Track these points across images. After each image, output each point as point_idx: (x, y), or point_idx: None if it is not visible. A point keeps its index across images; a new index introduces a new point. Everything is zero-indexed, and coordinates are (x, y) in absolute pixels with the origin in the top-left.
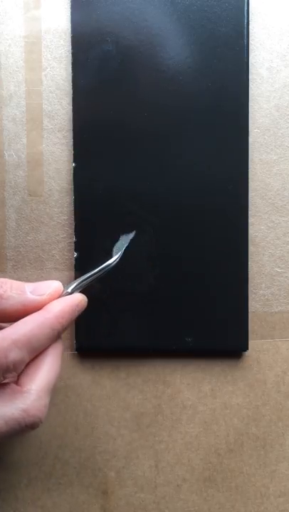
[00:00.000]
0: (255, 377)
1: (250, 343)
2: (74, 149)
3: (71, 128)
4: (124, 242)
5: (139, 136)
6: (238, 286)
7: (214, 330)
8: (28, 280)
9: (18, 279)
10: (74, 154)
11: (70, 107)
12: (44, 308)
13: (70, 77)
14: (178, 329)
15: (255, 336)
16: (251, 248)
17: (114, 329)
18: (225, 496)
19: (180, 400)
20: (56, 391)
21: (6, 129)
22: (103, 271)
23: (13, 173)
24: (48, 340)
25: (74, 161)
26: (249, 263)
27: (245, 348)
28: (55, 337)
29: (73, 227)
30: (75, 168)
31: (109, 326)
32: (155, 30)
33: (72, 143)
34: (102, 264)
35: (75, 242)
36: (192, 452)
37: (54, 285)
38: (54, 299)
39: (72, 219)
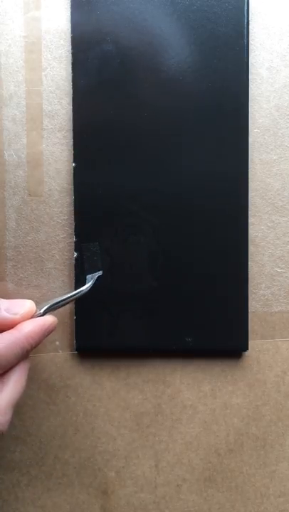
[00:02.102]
0: (255, 377)
1: (250, 343)
2: (74, 149)
3: (71, 128)
4: (97, 270)
5: (139, 136)
6: (238, 286)
7: (214, 330)
8: (28, 280)
9: (19, 279)
10: (74, 154)
11: (70, 107)
12: (15, 327)
13: (70, 77)
14: (178, 329)
15: (255, 336)
16: (251, 248)
17: (114, 329)
18: (225, 496)
19: (180, 399)
20: (56, 391)
21: (6, 129)
22: (75, 297)
23: (13, 173)
24: (16, 359)
25: (74, 161)
26: (249, 263)
27: (245, 348)
28: (24, 356)
29: (73, 227)
30: (75, 168)
31: (109, 326)
32: (155, 30)
33: (72, 143)
34: (75, 290)
35: (75, 242)
36: (192, 452)
37: (27, 305)
38: (27, 319)
39: (72, 219)
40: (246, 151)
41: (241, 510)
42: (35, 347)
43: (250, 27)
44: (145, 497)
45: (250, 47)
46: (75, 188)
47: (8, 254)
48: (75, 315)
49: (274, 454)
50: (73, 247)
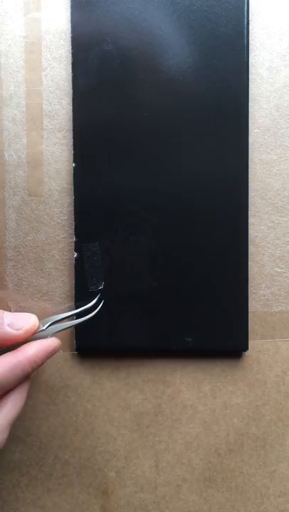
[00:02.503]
0: (255, 377)
1: (250, 343)
2: (74, 149)
3: (71, 128)
4: (98, 271)
5: (139, 136)
6: (238, 286)
7: (214, 330)
8: (28, 280)
9: (19, 279)
10: (74, 154)
11: (70, 107)
12: (19, 349)
13: (70, 77)
14: (178, 329)
15: (255, 336)
16: (251, 248)
17: (114, 329)
18: (225, 496)
19: (180, 399)
20: (56, 391)
21: (6, 129)
22: (80, 321)
23: (13, 173)
24: (17, 382)
25: (74, 161)
26: (249, 263)
27: (245, 348)
28: (25, 378)
29: (73, 227)
30: (75, 168)
31: (109, 326)
32: (155, 30)
33: (72, 143)
34: (79, 308)
35: (75, 242)
36: (192, 452)
37: (31, 321)
38: (30, 335)
39: (72, 219)
40: (246, 151)
41: (241, 510)
42: (36, 369)
43: (250, 27)
44: (145, 497)
45: (250, 47)
46: (75, 188)
47: (8, 254)
48: (75, 315)
49: (274, 454)
50: (73, 247)
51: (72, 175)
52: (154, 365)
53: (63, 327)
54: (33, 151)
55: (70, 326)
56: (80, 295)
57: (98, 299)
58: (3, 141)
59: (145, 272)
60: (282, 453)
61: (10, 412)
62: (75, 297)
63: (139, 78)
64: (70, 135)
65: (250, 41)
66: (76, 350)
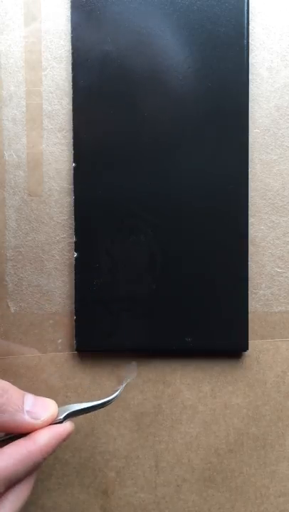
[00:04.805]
0: (255, 377)
1: (250, 343)
2: (74, 149)
3: (71, 128)
4: (127, 377)
5: (139, 136)
6: (238, 286)
7: (214, 330)
8: (28, 280)
9: (19, 279)
10: (74, 154)
11: (70, 107)
12: (29, 437)
13: (70, 77)
14: (178, 329)
15: (255, 336)
16: (251, 248)
17: (114, 329)
18: (225, 496)
19: (180, 399)
20: (56, 391)
21: (6, 129)
22: (101, 407)
23: (13, 173)
24: (26, 474)
25: (74, 161)
26: (249, 263)
27: (245, 348)
28: (35, 469)
29: (73, 227)
30: (75, 168)
31: (109, 326)
32: (155, 31)
33: (72, 143)
34: (99, 401)
35: (75, 242)
36: (192, 452)
37: (51, 410)
38: (47, 425)
39: (72, 219)
40: (246, 151)
41: (241, 510)
42: (47, 458)
43: (250, 27)
44: (145, 497)
45: (250, 47)
46: (75, 188)
47: (8, 254)
48: (75, 315)
49: (274, 454)
50: (73, 247)
51: (72, 175)
52: (154, 365)
53: (79, 412)
54: (33, 151)
55: (86, 412)
56: (80, 295)
57: (117, 394)
58: (3, 141)
59: (145, 272)
60: (282, 453)
61: (12, 506)
62: (75, 297)
63: (139, 78)
64: (70, 135)
65: (250, 41)
66: (76, 350)
